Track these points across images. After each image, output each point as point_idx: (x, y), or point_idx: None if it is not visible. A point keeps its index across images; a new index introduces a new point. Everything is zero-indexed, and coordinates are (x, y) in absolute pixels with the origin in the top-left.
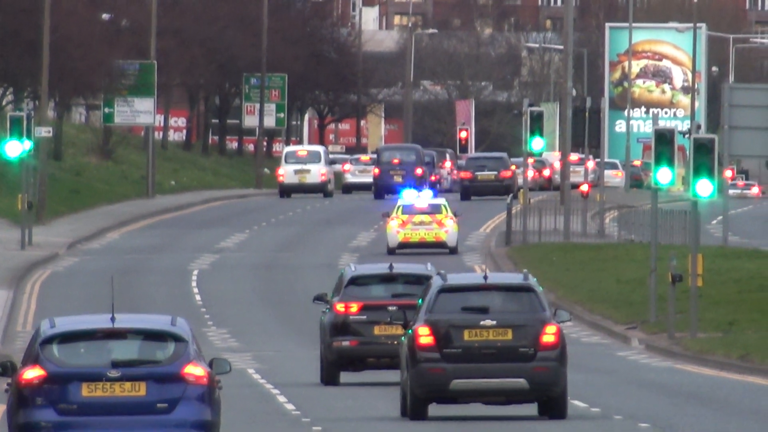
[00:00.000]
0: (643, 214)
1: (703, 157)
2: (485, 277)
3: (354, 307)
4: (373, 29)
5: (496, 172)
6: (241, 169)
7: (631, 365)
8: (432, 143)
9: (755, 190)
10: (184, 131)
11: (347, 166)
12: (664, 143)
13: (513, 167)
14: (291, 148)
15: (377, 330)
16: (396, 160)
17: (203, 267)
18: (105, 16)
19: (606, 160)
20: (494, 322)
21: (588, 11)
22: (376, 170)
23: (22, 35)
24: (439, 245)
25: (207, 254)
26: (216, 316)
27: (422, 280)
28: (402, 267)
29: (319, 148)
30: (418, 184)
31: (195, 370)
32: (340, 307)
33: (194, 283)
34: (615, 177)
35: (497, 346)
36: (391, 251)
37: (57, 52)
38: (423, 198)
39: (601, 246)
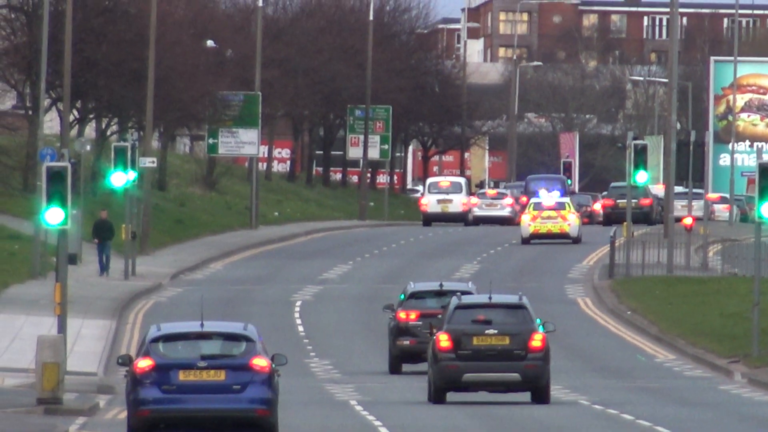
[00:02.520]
0: (746, 247)
1: None
2: (490, 298)
3: (413, 315)
4: (478, 61)
5: (636, 200)
6: (345, 201)
7: (733, 399)
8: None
9: None
10: (288, 162)
11: (473, 200)
12: None
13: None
14: (434, 178)
15: (430, 333)
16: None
17: (306, 298)
18: (209, 43)
19: (719, 194)
20: (495, 331)
21: (693, 44)
22: (524, 198)
23: (127, 65)
24: (564, 236)
25: (310, 285)
26: (318, 347)
27: (463, 294)
28: (449, 284)
29: (461, 180)
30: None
31: (260, 362)
32: (402, 315)
33: (297, 314)
34: (724, 211)
35: (498, 349)
36: (525, 241)
37: (161, 82)
38: (552, 197)
39: (704, 279)
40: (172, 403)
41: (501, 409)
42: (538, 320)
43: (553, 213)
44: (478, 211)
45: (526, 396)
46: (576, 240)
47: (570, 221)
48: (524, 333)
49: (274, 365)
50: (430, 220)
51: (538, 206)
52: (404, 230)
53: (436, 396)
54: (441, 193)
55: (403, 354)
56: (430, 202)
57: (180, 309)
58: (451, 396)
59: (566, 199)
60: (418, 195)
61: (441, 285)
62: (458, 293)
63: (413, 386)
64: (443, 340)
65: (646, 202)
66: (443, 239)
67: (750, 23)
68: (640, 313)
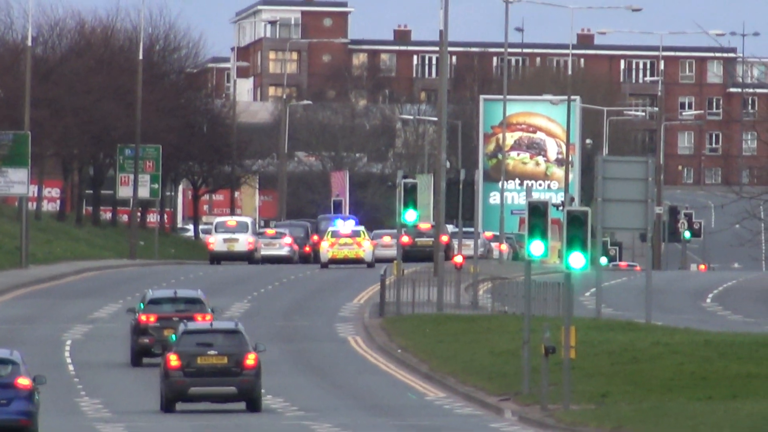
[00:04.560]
0: (516, 285)
1: (576, 230)
2: (211, 324)
3: (152, 318)
4: (248, 100)
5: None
6: (115, 240)
7: None
8: (306, 214)
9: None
10: (58, 201)
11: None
12: (537, 215)
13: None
14: (221, 218)
15: (166, 332)
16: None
17: (77, 337)
18: None
19: (491, 233)
20: (216, 352)
21: (462, 83)
22: (315, 237)
23: None
24: (359, 261)
25: (80, 324)
26: (88, 386)
27: (193, 301)
28: (182, 292)
29: (247, 219)
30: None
31: (23, 381)
32: (143, 318)
33: (67, 353)
34: (498, 249)
35: (218, 367)
36: (324, 266)
37: None
38: (347, 225)
39: (474, 317)
40: None
41: (223, 416)
42: (254, 343)
43: (349, 240)
44: (263, 251)
45: (242, 405)
46: (370, 264)
47: (365, 247)
48: (240, 354)
49: (35, 384)
50: (216, 258)
51: (335, 234)
52: (175, 269)
53: (167, 406)
54: (227, 232)
55: (142, 350)
56: (216, 241)
57: None
58: (179, 406)
59: (361, 228)
60: (190, 234)
61: (175, 292)
62: (185, 321)
63: (184, 426)
64: (173, 360)
65: (444, 239)
66: (214, 278)
67: (519, 62)
68: (410, 351)
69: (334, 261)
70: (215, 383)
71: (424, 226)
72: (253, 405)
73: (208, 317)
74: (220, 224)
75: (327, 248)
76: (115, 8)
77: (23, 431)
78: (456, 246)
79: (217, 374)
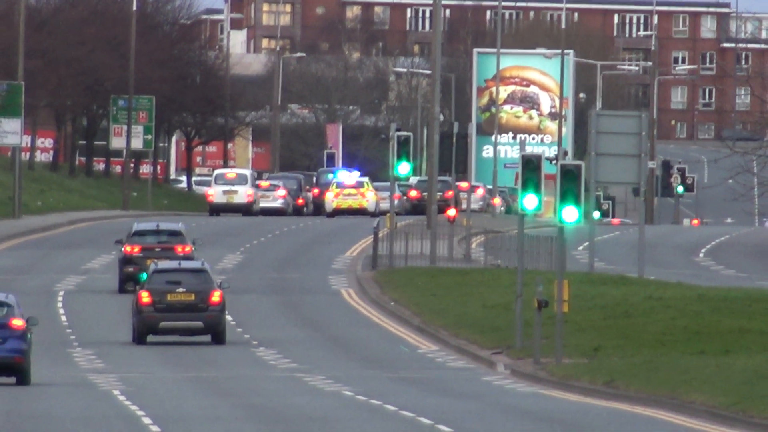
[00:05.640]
0: (509, 239)
1: (570, 184)
2: (179, 263)
3: (137, 249)
4: (241, 52)
5: (441, 193)
6: (109, 191)
7: (496, 390)
8: (299, 167)
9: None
10: (52, 152)
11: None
12: (530, 169)
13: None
14: (220, 170)
15: (149, 262)
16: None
17: (69, 288)
18: None
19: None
20: (184, 290)
21: (456, 37)
22: (316, 190)
23: None
24: (363, 211)
25: (73, 275)
26: (81, 337)
27: (175, 233)
28: (164, 225)
29: (247, 172)
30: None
31: (17, 322)
32: (128, 248)
33: (60, 304)
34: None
35: (186, 303)
36: (329, 215)
37: None
38: (352, 176)
39: (467, 271)
40: None
41: (192, 348)
42: (217, 281)
43: (353, 191)
44: (262, 203)
45: (208, 338)
46: (374, 214)
47: (368, 198)
48: (206, 291)
49: (28, 325)
50: (216, 210)
51: (340, 185)
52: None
53: (139, 338)
54: (227, 184)
55: (128, 278)
56: (216, 193)
57: None
58: (151, 338)
59: (365, 179)
60: (183, 185)
61: (158, 225)
62: (156, 261)
63: (177, 379)
64: (144, 297)
65: (449, 194)
66: (206, 229)
67: (513, 15)
68: (403, 304)
69: (338, 211)
70: (183, 318)
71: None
72: (218, 338)
73: (188, 248)
74: (219, 176)
75: (332, 198)
76: None
77: (17, 368)
78: (459, 200)
79: (185, 310)
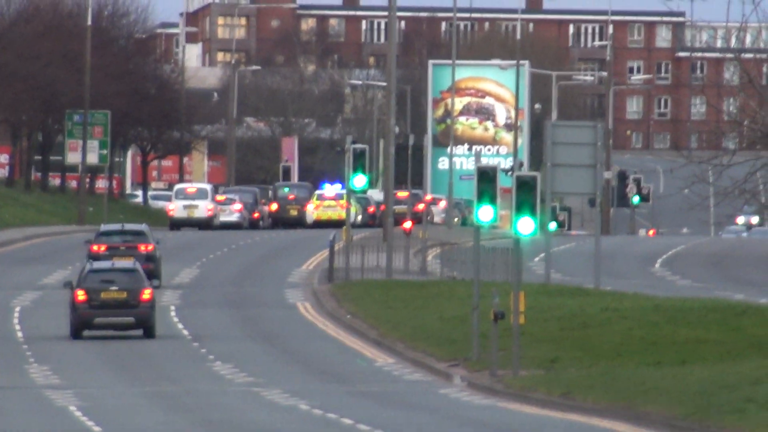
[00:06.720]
0: (465, 251)
1: (526, 195)
2: (113, 263)
3: (103, 248)
4: (197, 66)
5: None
6: (64, 206)
7: (453, 403)
8: (255, 180)
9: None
10: (7, 167)
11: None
12: (486, 181)
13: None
14: (181, 185)
15: (114, 260)
16: (292, 196)
17: (25, 304)
18: None
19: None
20: (117, 288)
21: (411, 48)
22: (275, 205)
23: None
24: (342, 223)
25: (29, 291)
26: (37, 353)
27: (138, 233)
28: (129, 226)
29: (207, 186)
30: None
31: None
32: (95, 247)
33: (16, 320)
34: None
35: (119, 300)
36: (310, 226)
37: None
38: (332, 189)
39: (423, 283)
40: None
41: (124, 342)
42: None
43: (333, 203)
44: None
45: (140, 332)
46: (353, 225)
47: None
48: (137, 289)
49: None
50: (176, 224)
51: (320, 196)
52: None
53: (75, 333)
54: (187, 198)
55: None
56: (176, 208)
57: None
58: (87, 334)
59: (345, 191)
60: (139, 200)
61: (123, 226)
62: (91, 261)
63: (135, 393)
64: (80, 295)
65: (420, 207)
66: (163, 243)
67: (468, 27)
68: (359, 317)
69: (319, 222)
70: (116, 314)
71: (402, 194)
72: (149, 332)
73: (150, 247)
74: (180, 191)
75: (312, 210)
76: None
77: None
78: (431, 213)
79: (118, 306)
